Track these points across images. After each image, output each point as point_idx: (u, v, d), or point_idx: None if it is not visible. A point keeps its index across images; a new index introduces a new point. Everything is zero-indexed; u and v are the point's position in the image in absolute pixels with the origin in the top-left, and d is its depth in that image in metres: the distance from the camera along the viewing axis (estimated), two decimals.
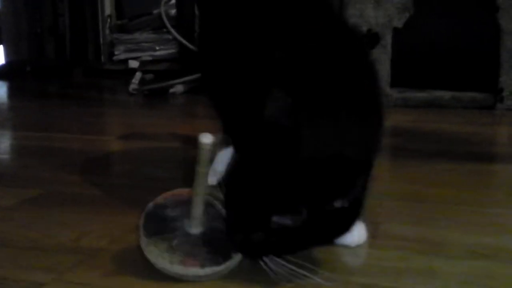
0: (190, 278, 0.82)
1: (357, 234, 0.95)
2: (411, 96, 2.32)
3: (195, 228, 0.87)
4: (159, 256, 0.82)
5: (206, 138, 0.82)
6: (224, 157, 1.28)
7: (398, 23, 2.25)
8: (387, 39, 2.24)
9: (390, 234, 0.99)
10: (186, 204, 0.88)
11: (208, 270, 0.82)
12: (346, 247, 0.94)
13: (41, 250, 0.93)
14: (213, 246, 0.84)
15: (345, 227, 0.82)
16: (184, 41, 2.79)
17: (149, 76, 3.06)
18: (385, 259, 0.90)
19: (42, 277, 0.82)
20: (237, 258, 0.84)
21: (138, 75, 2.92)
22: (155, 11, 3.20)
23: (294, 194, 0.77)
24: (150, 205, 0.90)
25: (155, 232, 0.85)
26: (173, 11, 3.04)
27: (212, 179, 1.26)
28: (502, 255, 0.93)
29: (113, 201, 1.17)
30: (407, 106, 2.30)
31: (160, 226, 0.86)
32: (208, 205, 0.89)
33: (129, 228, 0.99)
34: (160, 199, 0.91)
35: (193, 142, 1.80)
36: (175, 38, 2.90)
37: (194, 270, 0.81)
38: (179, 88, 2.75)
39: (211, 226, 0.87)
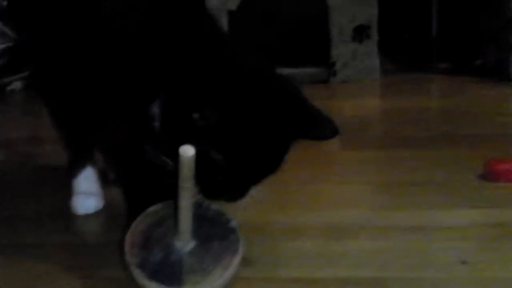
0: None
1: None
2: None
3: (187, 244, 0.86)
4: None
5: (188, 151, 0.77)
6: (88, 176, 1.18)
7: (232, 5, 2.28)
8: (223, 22, 2.27)
9: None
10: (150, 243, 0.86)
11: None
12: None
13: None
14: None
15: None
16: (13, 35, 2.65)
17: None
18: None
19: None
20: None
21: None
22: None
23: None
24: (132, 262, 0.84)
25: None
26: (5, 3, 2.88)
27: (92, 204, 1.17)
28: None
29: None
30: None
31: (164, 272, 0.83)
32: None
33: None
34: (132, 252, 0.86)
35: (37, 144, 1.77)
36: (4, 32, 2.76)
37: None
38: (17, 85, 2.62)
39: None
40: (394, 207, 1.13)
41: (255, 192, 0.87)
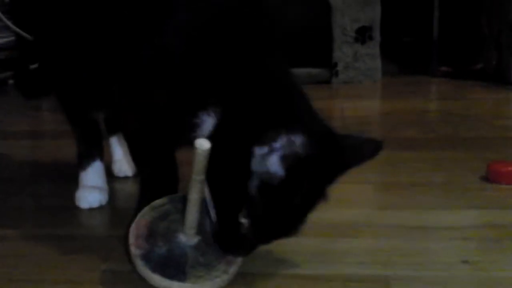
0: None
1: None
2: None
3: (192, 238, 0.86)
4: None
5: (204, 144, 0.78)
6: (96, 170, 1.19)
7: None
8: None
9: None
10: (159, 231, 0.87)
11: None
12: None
13: None
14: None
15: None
16: (16, 29, 2.66)
17: None
18: None
19: None
20: None
21: None
22: None
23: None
24: (136, 254, 0.85)
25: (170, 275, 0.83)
26: None
27: (97, 198, 1.16)
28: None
29: None
30: None
31: (168, 265, 0.84)
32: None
33: None
34: (136, 243, 0.86)
35: (37, 138, 1.77)
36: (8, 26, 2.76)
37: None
38: None
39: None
40: (396, 207, 1.14)
41: None
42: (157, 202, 0.91)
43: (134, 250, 0.85)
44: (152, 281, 0.83)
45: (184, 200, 0.87)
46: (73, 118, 1.19)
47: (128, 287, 0.87)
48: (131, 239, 0.86)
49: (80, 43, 1.02)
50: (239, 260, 0.86)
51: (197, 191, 0.83)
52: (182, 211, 0.87)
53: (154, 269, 0.83)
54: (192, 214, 0.85)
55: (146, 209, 0.90)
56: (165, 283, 0.82)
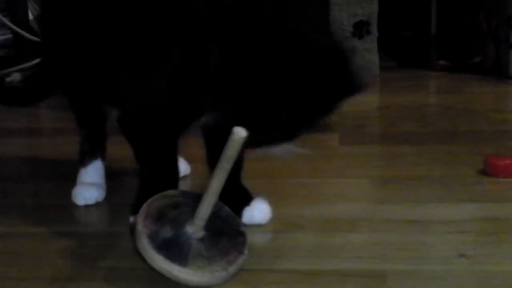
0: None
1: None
2: None
3: (199, 231, 0.86)
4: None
5: (241, 132, 0.78)
6: (96, 167, 1.19)
7: None
8: None
9: None
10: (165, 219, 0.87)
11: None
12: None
13: None
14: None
15: None
16: (13, 26, 2.65)
17: None
18: None
19: None
20: None
21: None
22: None
23: None
24: (143, 231, 0.84)
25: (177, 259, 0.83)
26: None
27: (93, 195, 1.16)
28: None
29: None
30: None
31: (171, 250, 0.84)
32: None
33: None
34: (144, 223, 0.86)
35: (34, 136, 1.77)
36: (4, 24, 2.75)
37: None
38: (16, 77, 2.62)
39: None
40: (393, 201, 1.14)
41: (297, 149, 0.88)
42: (170, 192, 0.92)
43: (141, 228, 0.85)
44: (153, 261, 0.83)
45: (195, 197, 0.88)
46: (82, 117, 1.19)
47: (126, 284, 0.87)
48: (140, 217, 0.86)
49: (91, 36, 1.03)
50: (240, 263, 0.86)
51: (221, 177, 0.83)
52: (192, 206, 0.87)
53: (158, 249, 0.83)
54: (207, 203, 0.85)
55: (158, 195, 0.90)
56: (166, 266, 0.82)
